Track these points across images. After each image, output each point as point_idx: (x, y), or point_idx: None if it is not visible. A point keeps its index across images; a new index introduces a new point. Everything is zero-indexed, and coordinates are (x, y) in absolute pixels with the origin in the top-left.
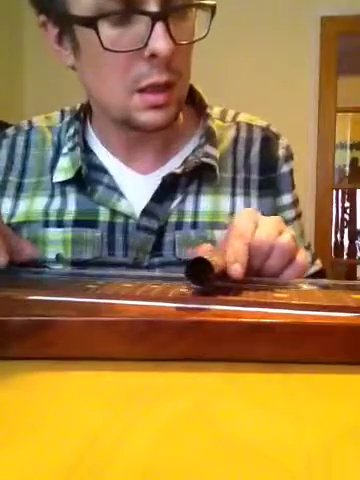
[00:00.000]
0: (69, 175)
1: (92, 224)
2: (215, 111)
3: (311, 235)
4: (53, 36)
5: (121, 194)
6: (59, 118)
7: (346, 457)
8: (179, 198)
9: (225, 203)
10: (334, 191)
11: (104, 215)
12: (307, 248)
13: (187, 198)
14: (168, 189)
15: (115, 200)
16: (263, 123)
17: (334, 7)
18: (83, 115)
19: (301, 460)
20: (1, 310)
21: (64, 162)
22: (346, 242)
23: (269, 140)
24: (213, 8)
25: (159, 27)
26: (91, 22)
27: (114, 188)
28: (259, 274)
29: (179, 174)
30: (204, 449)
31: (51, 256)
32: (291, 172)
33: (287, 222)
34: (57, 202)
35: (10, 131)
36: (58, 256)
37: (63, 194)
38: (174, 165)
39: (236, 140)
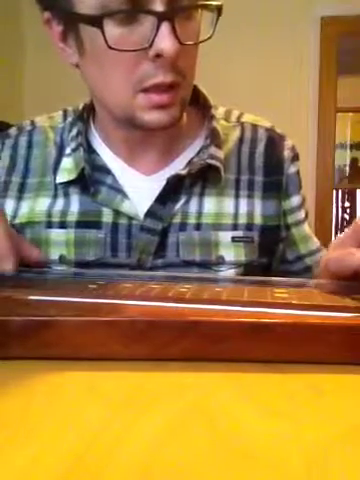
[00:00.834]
0: (72, 176)
1: (95, 225)
2: (219, 111)
3: None
4: (57, 34)
5: (124, 195)
6: (62, 118)
7: (346, 457)
8: (183, 199)
9: (229, 205)
10: (334, 191)
11: (107, 216)
12: (320, 249)
13: (191, 199)
14: (172, 190)
15: (118, 201)
16: (268, 124)
17: (334, 7)
18: (86, 115)
19: (301, 460)
20: (1, 310)
21: (67, 163)
22: None
23: (274, 141)
24: (219, 9)
25: (165, 27)
26: (96, 21)
27: (117, 189)
28: None
29: (183, 175)
30: (204, 449)
31: (54, 257)
32: (298, 173)
33: (300, 223)
34: (60, 203)
35: (12, 131)
36: (61, 257)
37: (66, 195)
38: (178, 166)
39: (241, 141)
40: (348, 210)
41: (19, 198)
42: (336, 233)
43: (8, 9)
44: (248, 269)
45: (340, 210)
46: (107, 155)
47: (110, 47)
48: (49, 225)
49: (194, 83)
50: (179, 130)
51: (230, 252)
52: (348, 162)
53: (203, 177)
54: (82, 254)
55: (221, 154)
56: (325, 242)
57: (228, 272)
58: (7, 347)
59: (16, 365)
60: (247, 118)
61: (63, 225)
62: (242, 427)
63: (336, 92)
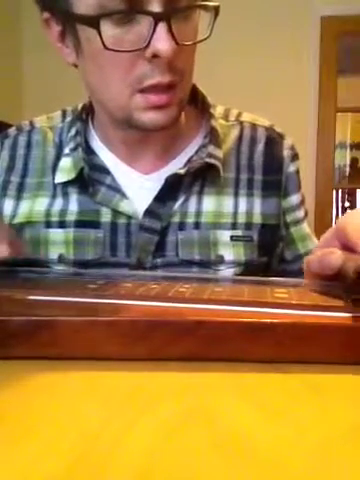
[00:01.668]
0: (71, 176)
1: (94, 224)
2: (218, 110)
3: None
4: (56, 33)
5: (123, 194)
6: (60, 118)
7: (346, 457)
8: (182, 198)
9: (228, 203)
10: (334, 191)
11: (106, 215)
12: None
13: (190, 198)
14: (171, 189)
15: (117, 200)
16: (267, 123)
17: (334, 7)
18: (85, 115)
19: (301, 460)
20: (1, 310)
21: (66, 163)
22: None
23: (273, 140)
24: (217, 9)
25: (161, 27)
26: (93, 21)
27: (116, 188)
28: None
29: (183, 175)
30: (204, 449)
31: (53, 257)
32: (297, 172)
33: (299, 222)
34: (59, 203)
35: (12, 131)
36: (60, 257)
37: (65, 195)
38: (177, 165)
39: (240, 140)
40: (348, 210)
41: (18, 198)
42: None
43: (8, 9)
44: (247, 268)
45: (340, 210)
46: (106, 155)
47: (107, 48)
48: (48, 225)
49: (193, 82)
50: (178, 129)
51: (229, 251)
52: (348, 162)
53: (202, 176)
54: (81, 254)
55: (220, 153)
56: None
57: (227, 271)
58: (7, 347)
59: (16, 365)
60: (246, 117)
61: (62, 225)
62: (242, 427)
63: (336, 92)
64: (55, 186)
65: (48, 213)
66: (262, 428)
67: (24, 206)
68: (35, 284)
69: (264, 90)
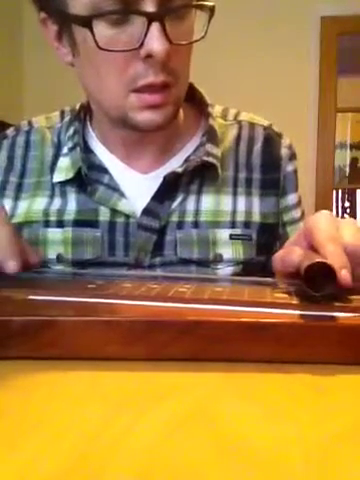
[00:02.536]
0: (69, 175)
1: (92, 224)
2: (216, 110)
3: None
4: (53, 33)
5: (121, 194)
6: (59, 118)
7: (345, 457)
8: (180, 197)
9: (227, 202)
10: (334, 191)
11: (104, 215)
12: None
13: (188, 197)
14: (169, 188)
15: (115, 199)
16: (265, 122)
17: (334, 7)
18: (83, 115)
19: (301, 460)
20: (1, 310)
21: (64, 162)
22: None
23: (271, 139)
24: (212, 9)
25: (155, 27)
26: (87, 21)
27: (114, 188)
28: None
29: (180, 173)
30: (204, 449)
31: (52, 256)
32: (295, 171)
33: (295, 221)
34: (57, 202)
35: (10, 132)
36: (59, 256)
37: (63, 194)
38: (175, 164)
39: (238, 139)
40: (348, 210)
41: (17, 198)
42: None
43: (8, 9)
44: (246, 267)
45: (340, 210)
46: (104, 154)
47: (101, 48)
48: (46, 224)
49: (191, 82)
50: (176, 129)
51: (228, 250)
52: (348, 162)
53: (200, 175)
54: (79, 253)
55: (218, 152)
56: None
57: (226, 270)
58: (7, 347)
59: (16, 365)
60: (244, 116)
61: (60, 224)
62: (242, 427)
63: (336, 92)
64: (53, 186)
65: (46, 213)
66: (262, 428)
67: (22, 206)
68: (35, 284)
69: (264, 90)
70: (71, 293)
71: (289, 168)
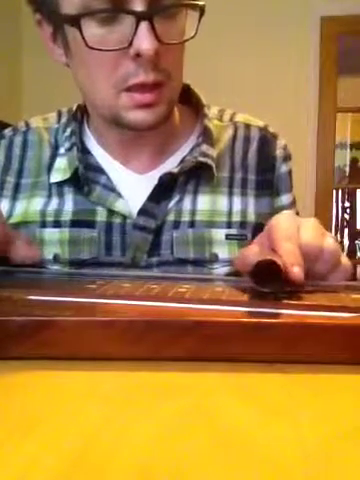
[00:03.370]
0: (66, 175)
1: (89, 224)
2: (212, 111)
3: None
4: (48, 34)
5: (118, 194)
6: (56, 119)
7: (345, 457)
8: (177, 197)
9: (222, 202)
10: (334, 191)
11: (101, 215)
12: None
13: (185, 197)
14: (165, 188)
15: (112, 200)
16: (260, 123)
17: (334, 7)
18: (80, 116)
19: (300, 460)
20: (1, 310)
21: (61, 162)
22: (346, 242)
23: (267, 140)
24: (202, 8)
25: (143, 26)
26: (75, 20)
27: (111, 188)
28: (306, 278)
29: (176, 173)
30: (204, 449)
31: (49, 256)
32: (290, 172)
33: None
34: (54, 202)
35: (7, 132)
36: (55, 256)
37: (60, 194)
38: (171, 165)
39: (234, 140)
40: (348, 210)
41: (14, 198)
42: (336, 233)
43: (7, 9)
44: None
45: (340, 210)
46: (101, 154)
47: (90, 47)
48: (43, 225)
49: (187, 83)
50: (172, 129)
51: (224, 250)
52: (348, 162)
53: (196, 175)
54: (76, 253)
55: (213, 152)
56: None
57: (222, 270)
58: (7, 347)
59: (16, 365)
60: (240, 118)
61: (57, 224)
62: (242, 427)
63: (336, 92)
64: (50, 186)
65: (43, 213)
66: (262, 428)
67: (20, 206)
68: (35, 284)
69: (264, 90)
70: (71, 293)
71: (283, 169)
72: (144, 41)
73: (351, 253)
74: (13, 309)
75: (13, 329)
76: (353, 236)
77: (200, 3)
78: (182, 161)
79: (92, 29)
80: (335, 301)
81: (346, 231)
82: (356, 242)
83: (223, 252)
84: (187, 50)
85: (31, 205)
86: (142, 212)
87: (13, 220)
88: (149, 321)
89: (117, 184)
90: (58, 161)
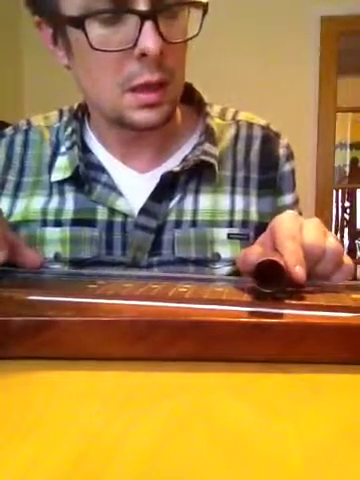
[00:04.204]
0: (67, 174)
1: (90, 223)
2: (215, 109)
3: None
4: (48, 36)
5: (119, 193)
6: (57, 118)
7: (345, 457)
8: (178, 196)
9: (224, 202)
10: (334, 191)
11: (102, 214)
12: None
13: (186, 197)
14: (167, 188)
15: (113, 199)
16: (263, 122)
17: (334, 7)
18: (81, 114)
19: (300, 460)
20: (1, 310)
21: (62, 161)
22: (346, 242)
23: (269, 139)
24: (205, 6)
25: (148, 26)
26: (79, 22)
27: (112, 187)
28: (308, 278)
29: (178, 172)
30: (204, 449)
31: (49, 255)
32: (293, 171)
33: None
34: (55, 201)
35: (8, 130)
36: (56, 255)
37: (61, 193)
38: (173, 164)
39: (236, 139)
40: (348, 210)
41: (15, 197)
42: (336, 233)
43: (8, 9)
44: None
45: (340, 210)
46: (102, 153)
47: (94, 48)
48: (44, 223)
49: (189, 82)
50: (173, 128)
51: (226, 249)
52: (348, 162)
53: (198, 174)
54: (77, 252)
55: (215, 151)
56: None
57: (224, 269)
58: (7, 347)
59: (16, 365)
60: (242, 116)
61: (58, 223)
62: (242, 427)
63: (336, 92)
64: (51, 185)
65: (44, 212)
66: (262, 428)
67: (20, 205)
68: (35, 284)
69: (264, 90)
70: (71, 293)
71: (286, 168)
72: (149, 41)
73: (351, 253)
74: (14, 309)
75: (14, 329)
76: (353, 236)
77: (203, 1)
78: (184, 160)
79: (95, 30)
80: (335, 301)
81: (346, 231)
82: (356, 242)
83: (225, 251)
84: (187, 49)
85: (32, 204)
86: (143, 211)
87: (13, 219)
88: (149, 321)
89: (118, 183)
90: (59, 160)
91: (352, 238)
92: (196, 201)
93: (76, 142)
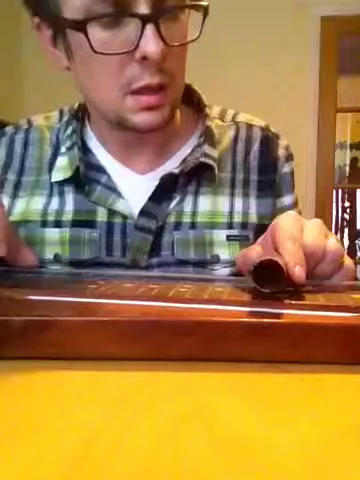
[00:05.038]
0: (67, 174)
1: (90, 224)
2: (214, 110)
3: None
4: (47, 38)
5: (119, 194)
6: (58, 118)
7: (346, 457)
8: (177, 198)
9: (224, 203)
10: (334, 191)
11: (102, 215)
12: None
13: (186, 198)
14: (166, 189)
15: (113, 200)
16: (262, 123)
17: (334, 7)
18: (81, 114)
19: (300, 460)
20: (1, 310)
21: (62, 161)
22: (346, 242)
23: (269, 140)
24: (206, 9)
25: (149, 29)
26: (80, 25)
27: (112, 188)
28: (308, 279)
29: (177, 174)
30: (203, 449)
31: (49, 256)
32: (292, 172)
33: None
34: (55, 202)
35: (9, 129)
36: (56, 256)
37: (61, 194)
38: (172, 165)
39: (235, 140)
40: (348, 210)
41: (14, 196)
42: (336, 233)
43: (7, 10)
44: None
45: (340, 210)
46: (102, 154)
47: (95, 51)
48: (44, 224)
49: (189, 83)
50: (173, 130)
51: (225, 251)
52: (348, 162)
53: (198, 176)
54: (76, 253)
55: (215, 153)
56: None
57: (223, 271)
58: (7, 347)
59: (16, 365)
60: (242, 117)
61: (58, 224)
62: (242, 427)
63: (336, 92)
64: (51, 185)
65: (44, 212)
66: (262, 428)
67: (20, 205)
68: (35, 284)
69: (264, 90)
70: (71, 293)
71: (285, 169)
72: (151, 44)
73: (351, 253)
74: (14, 309)
75: (14, 329)
76: (353, 236)
77: (204, 3)
78: (183, 161)
79: (96, 33)
80: (335, 301)
81: (346, 231)
82: (356, 242)
83: (224, 253)
84: (187, 51)
85: (32, 204)
86: (143, 213)
87: (13, 218)
88: (149, 321)
89: (118, 184)
90: (59, 160)
91: (352, 238)
92: (195, 203)
93: (76, 142)
